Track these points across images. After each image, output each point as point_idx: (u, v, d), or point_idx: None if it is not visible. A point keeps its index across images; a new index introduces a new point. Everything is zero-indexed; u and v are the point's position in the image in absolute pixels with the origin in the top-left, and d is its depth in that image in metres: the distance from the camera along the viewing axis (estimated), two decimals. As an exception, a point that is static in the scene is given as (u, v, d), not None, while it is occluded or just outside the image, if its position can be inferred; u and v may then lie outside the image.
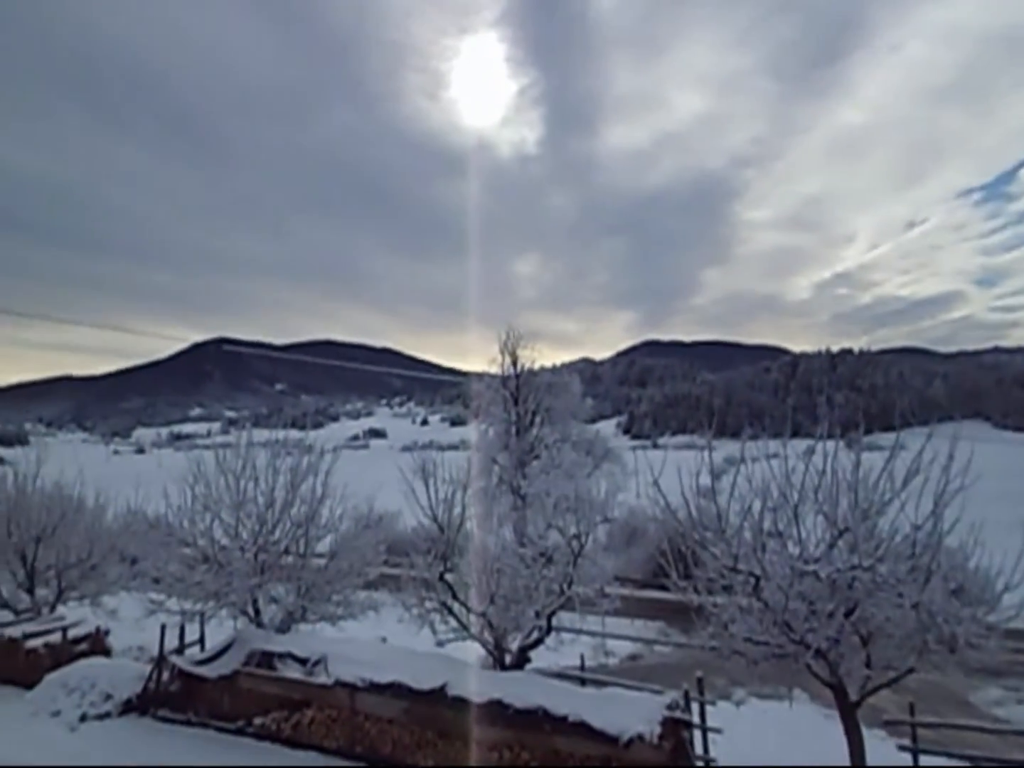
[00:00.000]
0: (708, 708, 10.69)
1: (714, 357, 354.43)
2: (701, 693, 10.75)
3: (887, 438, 10.56)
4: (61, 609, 17.51)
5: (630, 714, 9.50)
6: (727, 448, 15.65)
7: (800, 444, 9.96)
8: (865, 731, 9.59)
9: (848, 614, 8.85)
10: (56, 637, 15.04)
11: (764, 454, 10.38)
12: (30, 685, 13.66)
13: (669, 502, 10.37)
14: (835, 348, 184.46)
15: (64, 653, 14.72)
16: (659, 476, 10.52)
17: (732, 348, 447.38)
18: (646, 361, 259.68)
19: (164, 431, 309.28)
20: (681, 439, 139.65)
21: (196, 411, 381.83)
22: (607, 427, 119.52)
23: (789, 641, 9.20)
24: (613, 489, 13.01)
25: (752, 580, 9.33)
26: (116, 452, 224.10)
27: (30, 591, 17.44)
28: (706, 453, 10.55)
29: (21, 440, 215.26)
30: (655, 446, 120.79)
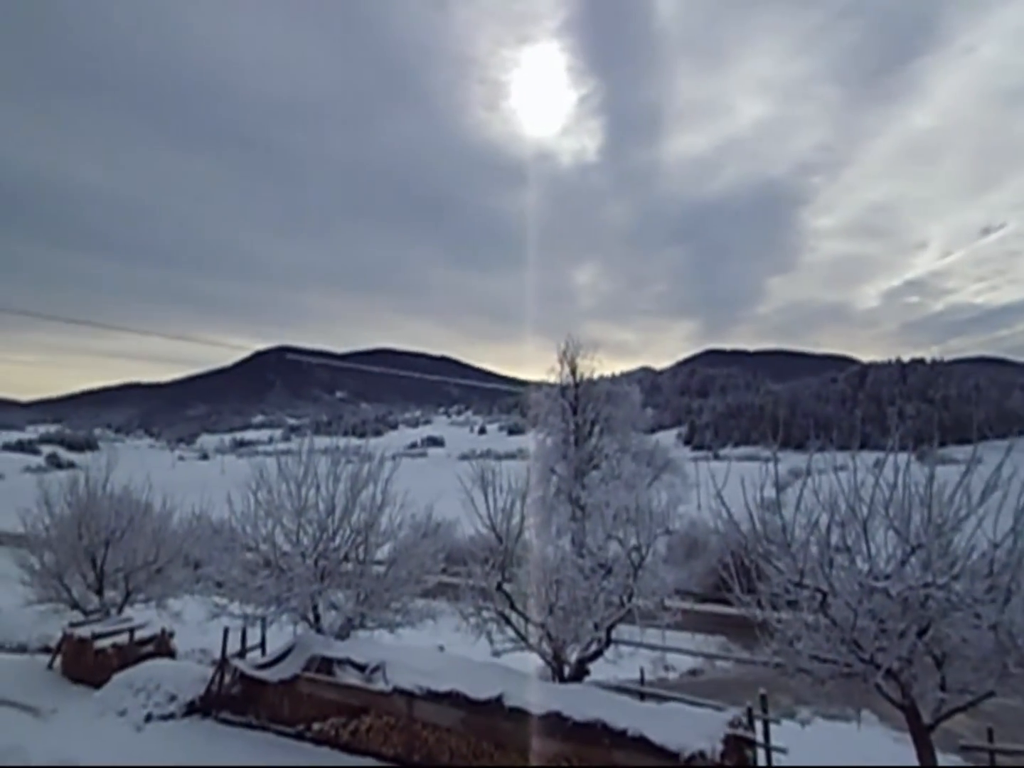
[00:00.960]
0: (772, 726, 10.36)
1: (778, 367, 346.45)
2: (765, 711, 10.44)
3: (962, 451, 10.17)
4: (128, 611, 17.93)
5: (691, 730, 9.29)
6: (791, 460, 15.29)
7: (869, 456, 9.63)
8: (940, 756, 9.19)
9: (921, 634, 8.51)
10: (123, 638, 15.35)
11: (831, 466, 10.08)
12: (99, 684, 14.00)
13: (732, 514, 10.16)
14: (905, 358, 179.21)
15: (131, 654, 15.04)
16: (722, 488, 10.31)
17: (796, 358, 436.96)
18: (707, 371, 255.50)
19: (227, 438, 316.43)
20: (744, 450, 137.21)
21: (258, 418, 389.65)
22: (667, 437, 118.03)
23: (858, 660, 8.89)
24: (674, 500, 12.86)
25: (819, 596, 9.05)
26: (181, 458, 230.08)
27: (99, 592, 17.84)
28: (770, 465, 10.31)
29: (91, 445, 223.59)
30: (716, 457, 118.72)
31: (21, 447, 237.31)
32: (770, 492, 10.22)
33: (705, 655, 22.89)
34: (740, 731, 9.34)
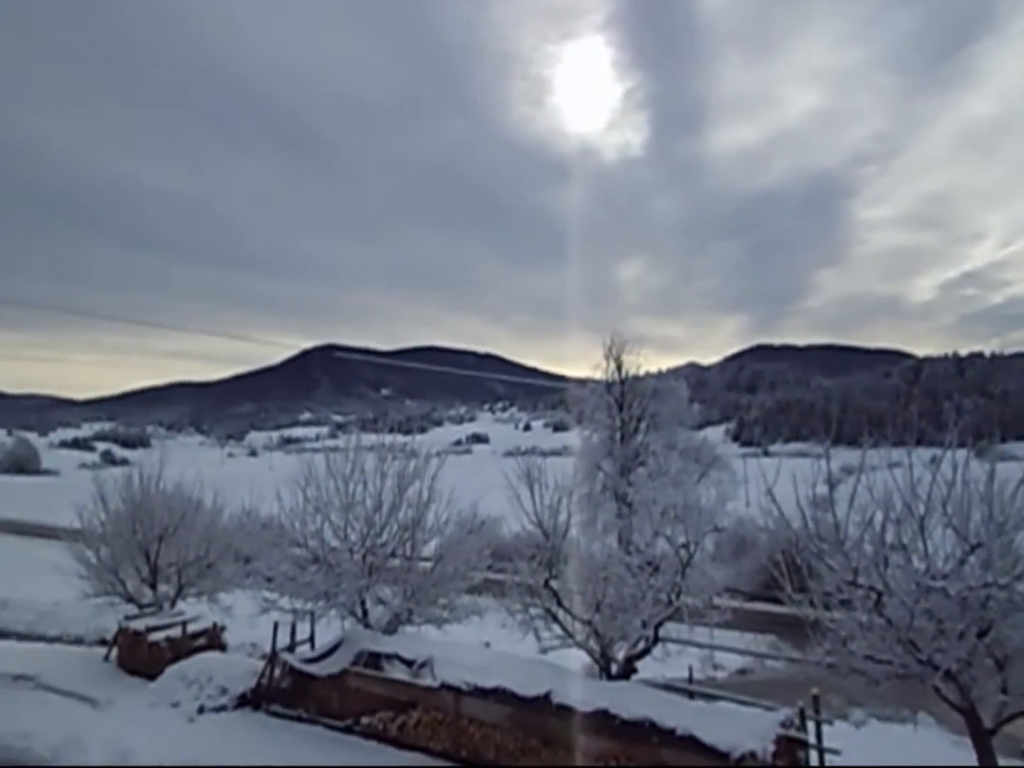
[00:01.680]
0: (824, 727, 10.14)
1: (829, 362, 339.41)
2: (817, 711, 10.21)
3: (1022, 447, 9.85)
4: (181, 605, 18.26)
5: (742, 730, 9.17)
6: (843, 457, 14.97)
7: (925, 453, 9.40)
8: (1001, 761, 8.92)
9: (981, 635, 8.27)
10: (176, 631, 15.64)
11: (885, 463, 9.85)
12: (153, 676, 14.27)
13: (783, 512, 9.99)
14: (963, 351, 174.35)
15: (183, 647, 15.31)
16: (772, 485, 10.14)
17: (849, 352, 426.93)
18: (756, 366, 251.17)
19: (275, 435, 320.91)
20: (794, 446, 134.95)
21: (305, 415, 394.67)
22: (715, 434, 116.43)
23: (915, 661, 8.67)
24: (722, 497, 12.63)
25: (873, 595, 8.85)
26: (230, 455, 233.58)
27: (153, 586, 18.18)
28: (821, 461, 10.12)
29: (144, 442, 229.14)
30: (766, 454, 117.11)
31: (77, 444, 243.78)
32: (822, 489, 10.04)
33: (755, 654, 22.57)
34: (792, 732, 9.18)
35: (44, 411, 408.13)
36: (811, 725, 9.94)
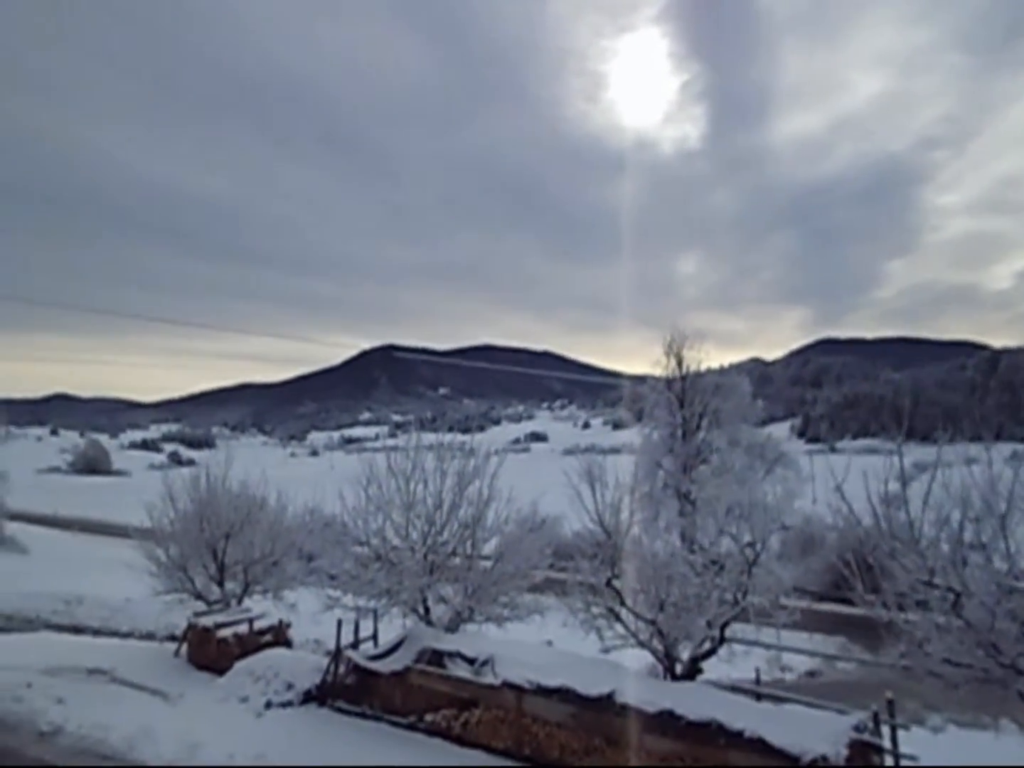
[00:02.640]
0: (900, 732, 9.80)
1: (899, 354, 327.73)
2: (892, 715, 9.87)
3: (1111, 441, 9.37)
4: (247, 602, 18.56)
5: (812, 733, 8.92)
6: (916, 453, 14.48)
7: (1005, 448, 9.02)
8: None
9: (1069, 638, 7.88)
10: (243, 628, 15.89)
11: (961, 459, 9.48)
12: (221, 671, 14.55)
13: (853, 509, 9.70)
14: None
15: (250, 643, 15.55)
16: (842, 482, 9.86)
17: (920, 344, 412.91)
18: (821, 360, 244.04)
19: (336, 435, 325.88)
20: (862, 443, 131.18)
21: (365, 415, 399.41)
22: (779, 430, 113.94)
23: (996, 665, 8.32)
24: (788, 495, 12.30)
25: (951, 596, 8.52)
26: (292, 454, 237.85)
27: (220, 584, 18.54)
28: (893, 457, 9.80)
29: (209, 443, 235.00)
30: (833, 450, 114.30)
31: (145, 445, 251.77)
32: (894, 486, 9.72)
33: (824, 655, 22.04)
34: (866, 736, 8.90)
35: (114, 413, 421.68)
36: (886, 730, 9.64)
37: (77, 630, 20.90)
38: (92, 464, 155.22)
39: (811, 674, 20.77)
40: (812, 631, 23.28)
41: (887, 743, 9.45)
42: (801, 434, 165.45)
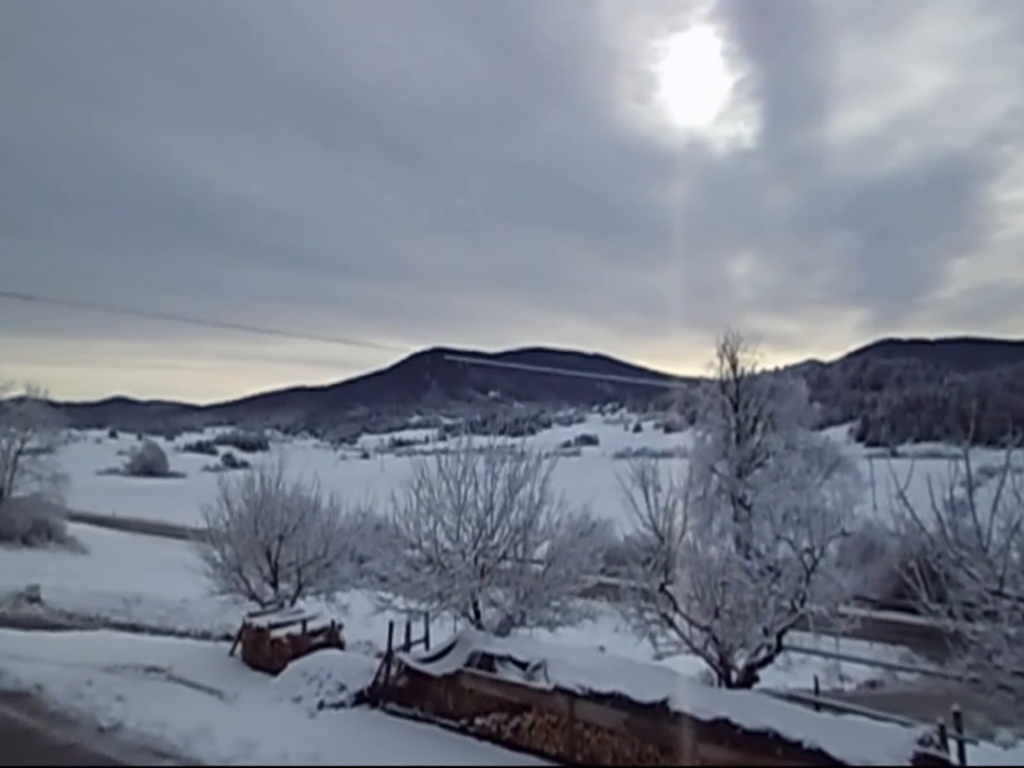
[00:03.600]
0: (968, 747, 9.46)
1: (964, 356, 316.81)
2: (959, 729, 9.53)
3: None
4: (300, 603, 18.66)
5: (874, 746, 8.63)
6: (982, 457, 14.02)
7: (1079, 452, 8.63)
8: None
9: None
10: (297, 629, 15.96)
11: (1034, 463, 9.10)
12: (275, 671, 14.69)
13: (916, 516, 9.40)
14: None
15: (303, 644, 15.60)
16: (904, 488, 9.56)
17: (985, 345, 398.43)
18: (881, 362, 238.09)
19: (386, 437, 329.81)
20: (925, 447, 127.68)
21: (415, 418, 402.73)
22: (837, 434, 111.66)
23: (1071, 679, 7.96)
24: (848, 500, 12.00)
25: (1023, 606, 8.18)
26: (343, 457, 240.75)
27: (274, 585, 18.68)
28: (958, 462, 9.47)
29: (262, 445, 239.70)
30: (894, 454, 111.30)
31: (200, 448, 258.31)
32: (960, 492, 9.39)
33: (886, 666, 21.43)
34: (931, 750, 8.57)
35: (170, 416, 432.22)
36: (953, 744, 9.31)
37: (136, 629, 21.37)
38: (149, 466, 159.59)
39: (872, 685, 20.24)
40: (873, 640, 22.72)
41: (954, 758, 9.13)
42: (860, 438, 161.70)
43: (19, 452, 43.01)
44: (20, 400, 43.58)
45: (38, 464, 43.60)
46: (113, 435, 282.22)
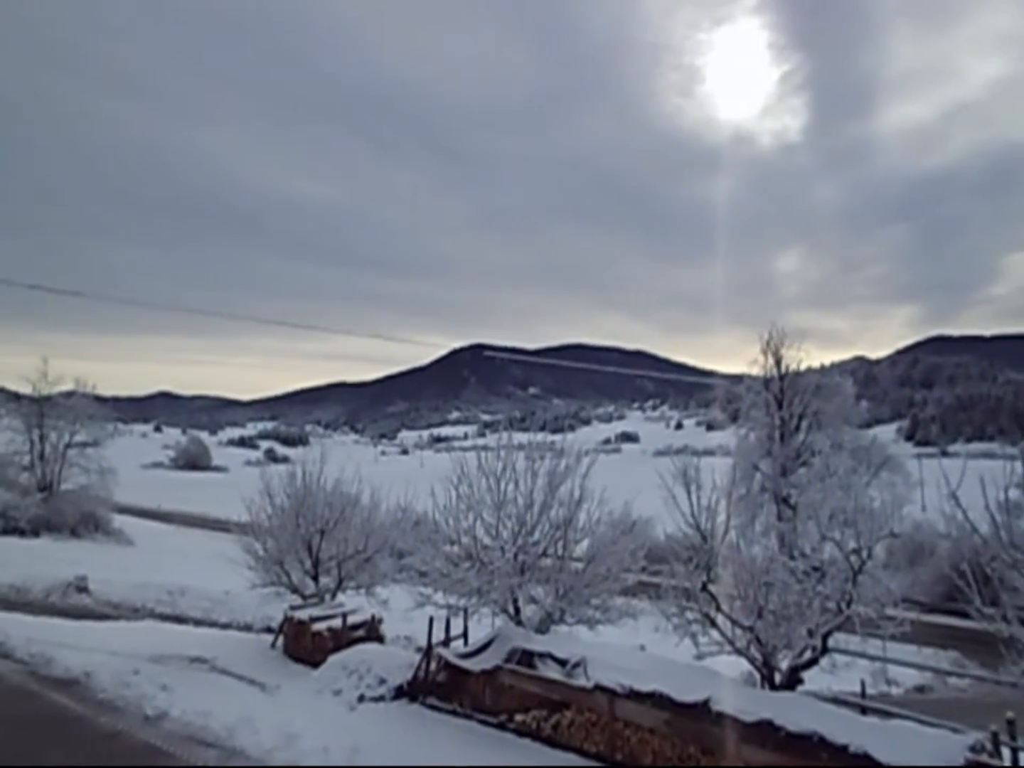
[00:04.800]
0: (1022, 756, 9.17)
1: (1020, 353, 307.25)
2: (1013, 737, 9.23)
3: None
4: (341, 597, 18.76)
5: (923, 752, 8.41)
6: (1038, 457, 13.57)
7: None
8: None
9: None
10: (337, 622, 16.07)
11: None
12: (316, 664, 14.80)
13: (968, 517, 9.15)
14: None
15: (344, 637, 15.71)
16: (956, 488, 9.31)
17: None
18: (932, 359, 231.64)
19: (425, 433, 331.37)
20: (977, 446, 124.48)
21: (454, 414, 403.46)
22: (885, 432, 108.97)
23: None
24: (896, 501, 11.71)
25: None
26: (383, 453, 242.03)
27: (315, 578, 18.81)
28: (1012, 463, 9.21)
29: (303, 441, 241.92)
30: (944, 454, 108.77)
31: (243, 442, 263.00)
32: (1015, 493, 9.13)
33: (936, 670, 20.92)
34: (984, 758, 8.32)
35: (213, 411, 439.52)
36: (1007, 751, 9.04)
37: (180, 620, 21.75)
38: (193, 460, 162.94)
39: (920, 689, 19.81)
40: (921, 644, 22.20)
41: (1007, 766, 8.87)
42: (909, 437, 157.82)
43: (68, 445, 44.04)
44: (69, 395, 44.46)
45: (86, 457, 44.61)
46: (158, 429, 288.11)
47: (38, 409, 43.52)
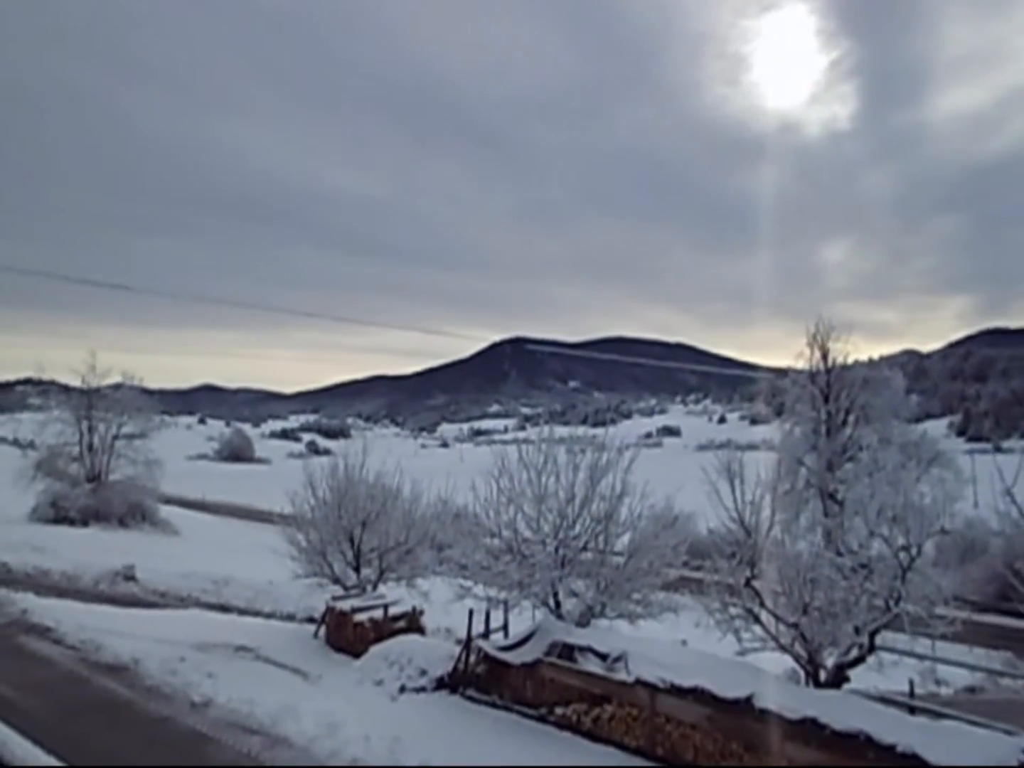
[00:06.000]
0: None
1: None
2: (1069, 741, 8.97)
3: None
4: (382, 588, 18.93)
5: (974, 753, 8.20)
6: (1098, 452, 13.15)
7: None
8: None
9: None
10: (379, 613, 16.14)
11: None
12: (357, 654, 14.91)
13: (1024, 514, 8.88)
14: None
15: (385, 628, 15.79)
16: (1012, 485, 9.04)
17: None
18: (986, 352, 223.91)
19: (465, 427, 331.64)
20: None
21: (494, 407, 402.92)
22: (936, 427, 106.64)
23: None
24: (947, 497, 11.43)
25: None
26: (423, 446, 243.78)
27: (356, 570, 18.94)
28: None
29: (344, 433, 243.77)
30: (998, 450, 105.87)
31: (285, 435, 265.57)
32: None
33: (988, 671, 20.41)
34: (1039, 761, 8.09)
35: (256, 404, 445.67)
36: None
37: (224, 609, 22.03)
38: (236, 452, 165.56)
39: (971, 690, 19.33)
40: (972, 644, 21.68)
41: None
42: (961, 432, 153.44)
43: (116, 437, 44.86)
44: (117, 387, 45.25)
45: (133, 449, 45.40)
46: (202, 422, 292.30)
47: (87, 401, 44.36)
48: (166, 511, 47.41)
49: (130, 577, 24.88)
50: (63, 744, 9.93)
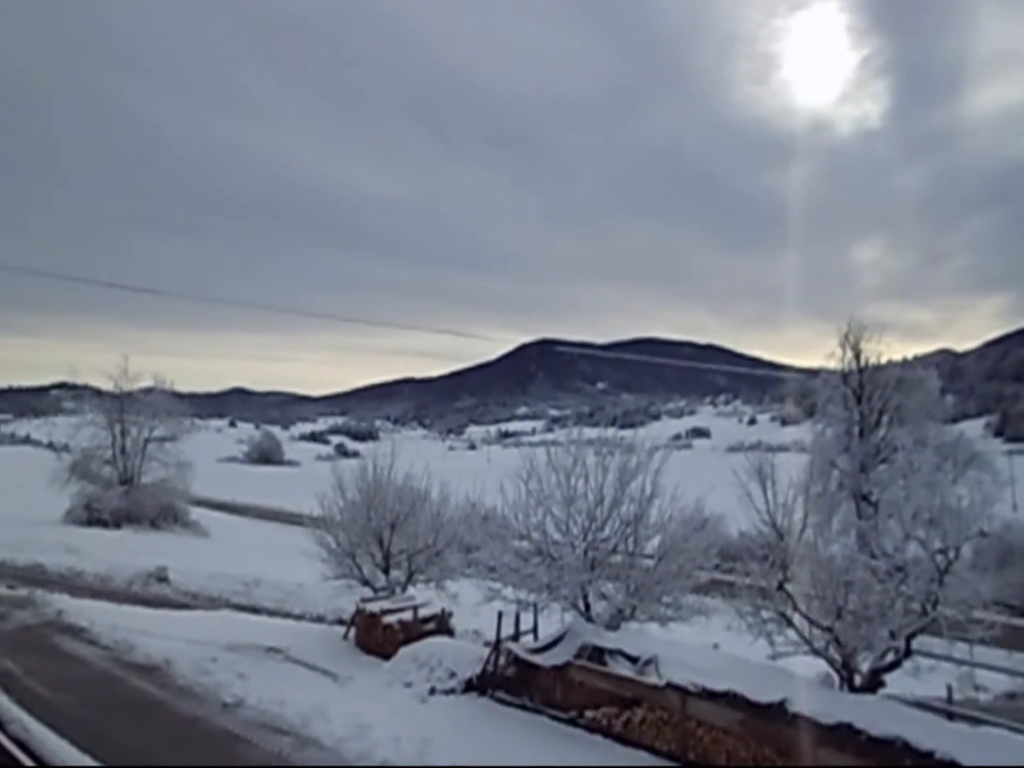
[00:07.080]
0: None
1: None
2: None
3: None
4: (411, 590, 18.99)
5: (1015, 760, 8.09)
6: None
7: None
8: None
9: None
10: (408, 615, 16.21)
11: None
12: (387, 656, 14.98)
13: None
14: None
15: (414, 630, 15.85)
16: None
17: None
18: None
19: (493, 429, 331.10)
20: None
21: (522, 410, 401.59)
22: (973, 428, 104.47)
23: None
24: (985, 499, 11.20)
25: None
26: (451, 448, 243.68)
27: (385, 571, 19.05)
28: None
29: (372, 436, 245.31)
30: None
31: (313, 437, 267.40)
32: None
33: (1029, 676, 19.96)
34: (1082, 769, 7.91)
35: (285, 406, 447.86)
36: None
37: (255, 610, 22.27)
38: (266, 454, 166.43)
39: (1011, 696, 18.95)
40: (1013, 648, 21.22)
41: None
42: (999, 433, 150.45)
43: (147, 440, 45.58)
44: (148, 391, 46.06)
45: (164, 451, 46.11)
46: (232, 424, 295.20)
47: (119, 405, 45.15)
48: (197, 513, 48.06)
49: (162, 578, 25.28)
50: (96, 742, 10.09)
